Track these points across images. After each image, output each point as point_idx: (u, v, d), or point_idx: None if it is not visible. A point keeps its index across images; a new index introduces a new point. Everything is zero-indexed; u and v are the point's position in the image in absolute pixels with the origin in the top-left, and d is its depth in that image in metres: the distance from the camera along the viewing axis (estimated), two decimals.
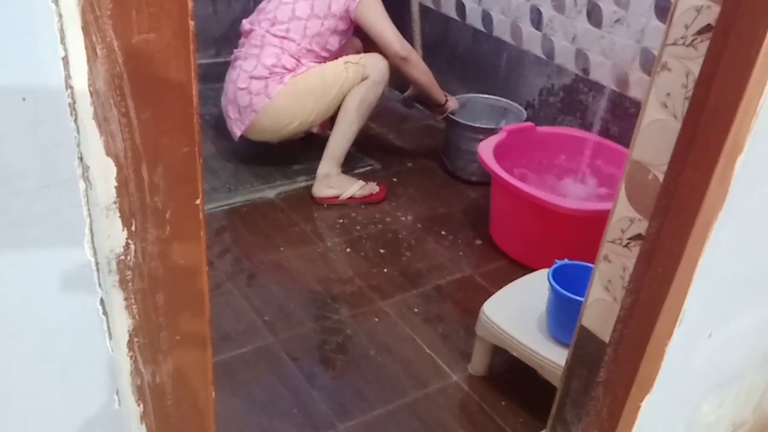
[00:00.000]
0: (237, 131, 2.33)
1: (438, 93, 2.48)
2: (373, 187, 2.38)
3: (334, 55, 2.34)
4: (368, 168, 2.57)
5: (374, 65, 2.28)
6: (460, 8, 2.83)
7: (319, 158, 2.36)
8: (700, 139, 0.89)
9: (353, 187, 2.35)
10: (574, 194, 2.25)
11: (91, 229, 0.59)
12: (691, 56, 0.93)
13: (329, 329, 1.82)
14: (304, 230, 2.20)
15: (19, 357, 0.61)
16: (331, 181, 2.34)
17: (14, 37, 0.49)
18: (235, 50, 2.37)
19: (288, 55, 2.25)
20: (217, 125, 2.70)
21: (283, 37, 2.25)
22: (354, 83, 2.27)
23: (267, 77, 2.23)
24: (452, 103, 2.52)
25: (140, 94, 0.55)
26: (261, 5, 2.37)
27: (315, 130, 2.50)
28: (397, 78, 2.47)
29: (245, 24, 2.35)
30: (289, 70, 2.25)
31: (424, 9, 2.97)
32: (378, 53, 2.32)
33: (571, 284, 1.47)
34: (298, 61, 2.27)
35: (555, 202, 1.94)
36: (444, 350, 1.78)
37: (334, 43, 2.32)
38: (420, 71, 2.40)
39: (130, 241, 0.60)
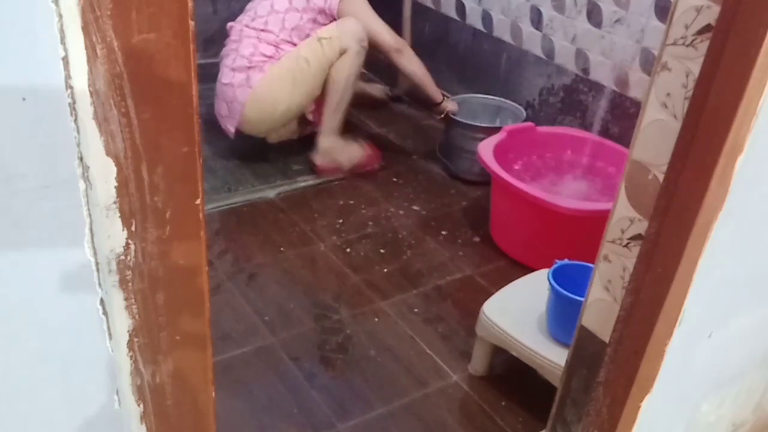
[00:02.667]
0: (230, 127, 2.35)
1: (433, 89, 2.48)
2: (367, 150, 2.45)
3: None
4: (368, 168, 2.57)
5: (350, 34, 2.22)
6: (460, 8, 2.83)
7: None
8: (700, 139, 0.89)
9: (354, 154, 2.41)
10: (574, 194, 2.25)
11: (91, 229, 0.59)
12: (691, 56, 0.93)
13: (329, 329, 1.82)
14: (304, 230, 2.20)
15: (19, 357, 0.61)
16: (335, 152, 2.38)
17: (14, 37, 0.49)
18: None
19: (266, 43, 2.24)
20: (218, 125, 2.70)
21: (261, 30, 2.25)
22: (333, 59, 2.23)
23: (248, 68, 2.23)
24: (451, 105, 2.52)
25: (140, 94, 0.55)
26: (246, 6, 2.40)
27: (310, 117, 2.50)
28: (388, 75, 2.47)
29: (229, 24, 2.37)
30: (269, 57, 2.24)
31: (423, 9, 2.97)
32: (350, 18, 2.25)
33: (571, 284, 1.47)
34: (277, 47, 2.25)
35: (555, 202, 1.94)
36: (444, 350, 1.78)
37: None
38: (416, 63, 2.41)
39: (130, 241, 0.60)
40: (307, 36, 2.26)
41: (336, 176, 2.40)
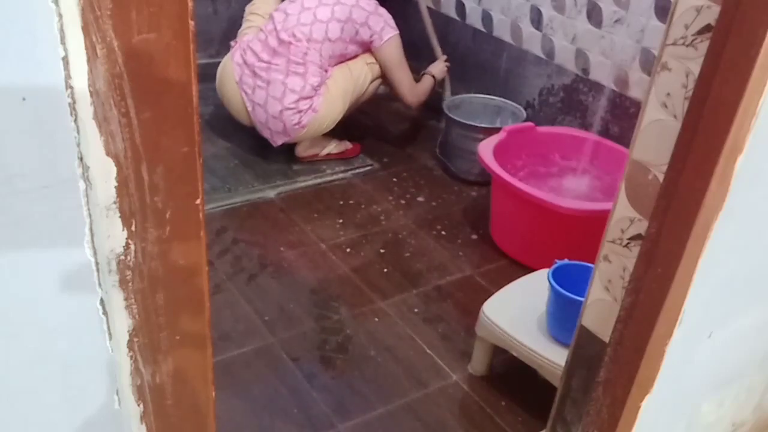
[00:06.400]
0: (279, 141, 2.44)
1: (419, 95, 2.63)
2: (346, 145, 2.60)
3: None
4: (368, 168, 2.57)
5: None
6: (460, 8, 2.83)
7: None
8: (700, 139, 0.89)
9: (330, 145, 2.55)
10: (574, 194, 2.25)
11: (91, 229, 0.59)
12: (691, 56, 0.93)
13: (329, 329, 1.82)
14: (304, 230, 2.20)
15: (19, 357, 0.61)
16: (313, 141, 2.51)
17: (14, 37, 0.49)
18: (260, 52, 2.37)
19: (323, 70, 2.39)
20: (217, 125, 2.70)
21: (320, 55, 2.36)
22: (372, 80, 2.49)
23: (312, 97, 2.36)
24: (436, 70, 2.68)
25: (140, 94, 0.55)
26: (286, 8, 2.41)
27: None
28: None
29: (283, 34, 2.35)
30: (324, 83, 2.40)
31: None
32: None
33: (571, 284, 1.47)
34: (326, 71, 2.41)
35: (555, 202, 1.94)
36: (444, 350, 1.78)
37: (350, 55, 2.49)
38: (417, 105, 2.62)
39: (130, 241, 0.60)
40: (345, 57, 2.45)
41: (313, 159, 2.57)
